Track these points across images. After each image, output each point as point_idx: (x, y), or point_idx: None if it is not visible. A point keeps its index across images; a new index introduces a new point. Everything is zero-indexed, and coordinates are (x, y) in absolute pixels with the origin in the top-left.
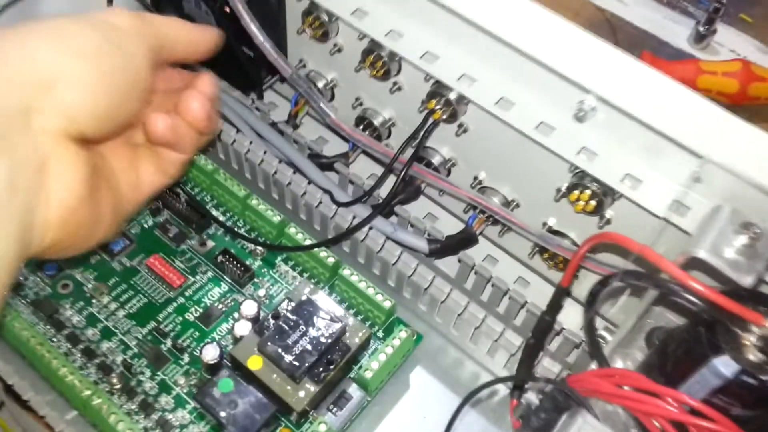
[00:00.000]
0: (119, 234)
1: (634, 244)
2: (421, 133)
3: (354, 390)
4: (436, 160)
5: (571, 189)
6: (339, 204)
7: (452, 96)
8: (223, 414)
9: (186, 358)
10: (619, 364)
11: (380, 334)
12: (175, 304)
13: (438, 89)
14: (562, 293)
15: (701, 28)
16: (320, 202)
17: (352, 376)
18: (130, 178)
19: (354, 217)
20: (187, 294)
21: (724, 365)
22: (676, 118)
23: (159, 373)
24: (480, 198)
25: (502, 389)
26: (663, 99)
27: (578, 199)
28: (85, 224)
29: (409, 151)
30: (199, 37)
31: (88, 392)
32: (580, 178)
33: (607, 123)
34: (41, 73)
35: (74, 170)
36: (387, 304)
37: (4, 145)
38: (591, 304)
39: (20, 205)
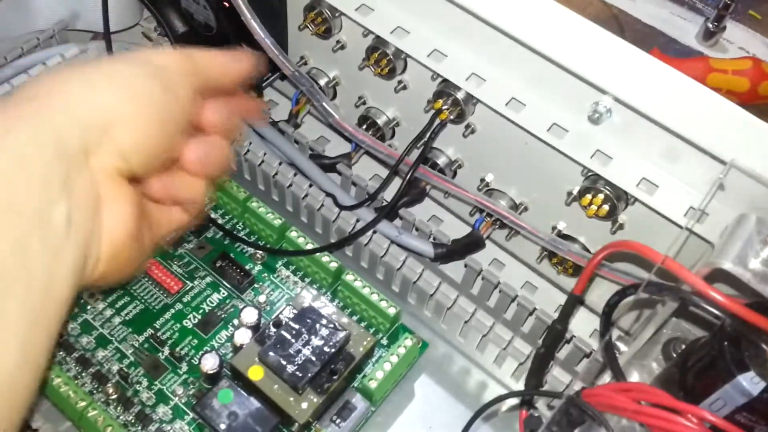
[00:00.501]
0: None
1: (656, 254)
2: (428, 134)
3: (358, 400)
4: (441, 162)
5: (583, 193)
6: (342, 207)
7: (460, 96)
8: (222, 426)
9: (184, 367)
10: (634, 376)
11: (384, 341)
12: (172, 311)
13: (445, 88)
14: (574, 301)
15: (710, 25)
16: (322, 205)
17: (356, 385)
18: (162, 212)
19: (357, 221)
20: (185, 300)
21: (750, 382)
22: (696, 121)
23: (156, 382)
24: (487, 201)
25: (511, 399)
26: (682, 100)
27: (590, 204)
28: (130, 258)
29: (415, 153)
30: (238, 69)
31: (83, 403)
32: (593, 182)
33: (623, 125)
34: (100, 116)
35: (125, 207)
36: (392, 310)
37: (63, 190)
38: (608, 315)
39: (77, 241)
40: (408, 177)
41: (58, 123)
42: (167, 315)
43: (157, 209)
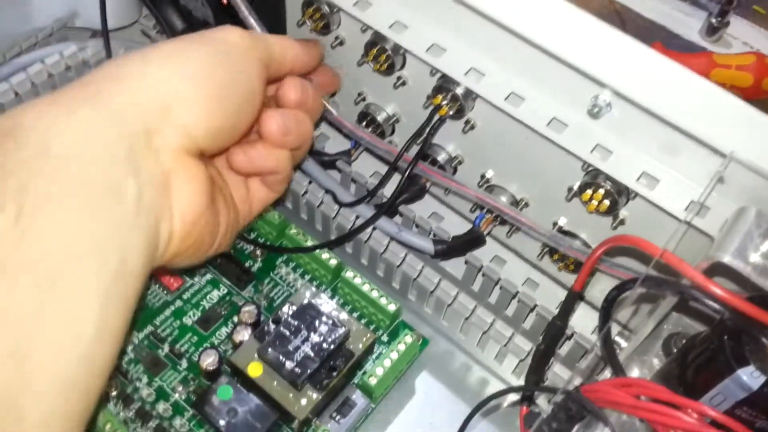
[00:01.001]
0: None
1: (654, 248)
2: (427, 130)
3: (358, 397)
4: (441, 158)
5: (583, 188)
6: (342, 204)
7: (459, 91)
8: (222, 422)
9: (184, 363)
10: (635, 371)
11: (385, 338)
12: (172, 308)
13: (444, 84)
14: (574, 298)
15: (714, 20)
16: (322, 202)
17: (355, 382)
18: (241, 191)
19: (357, 217)
20: (184, 297)
21: (750, 377)
22: (697, 114)
23: (156, 379)
24: (487, 197)
25: (511, 396)
26: (682, 93)
27: (591, 199)
28: (204, 236)
29: (414, 149)
30: (304, 53)
31: None
32: (594, 177)
33: (623, 119)
34: (158, 97)
35: (195, 184)
36: (392, 307)
37: (130, 167)
38: (607, 310)
39: (148, 220)
40: (407, 173)
41: (117, 104)
42: (167, 312)
43: (234, 186)
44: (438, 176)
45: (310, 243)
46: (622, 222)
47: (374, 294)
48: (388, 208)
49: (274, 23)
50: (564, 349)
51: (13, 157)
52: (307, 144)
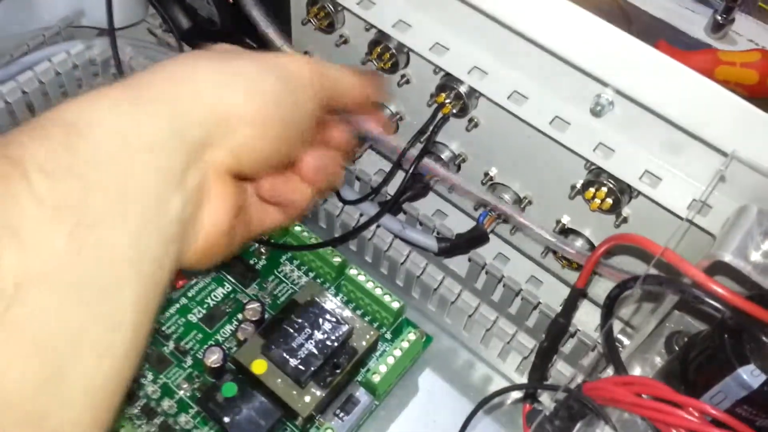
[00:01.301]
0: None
1: (655, 246)
2: (431, 128)
3: (361, 394)
4: (445, 156)
5: (586, 186)
6: (345, 202)
7: (463, 89)
8: (227, 419)
9: (189, 360)
10: (637, 369)
11: (388, 335)
12: (177, 305)
13: (448, 82)
14: (577, 295)
15: (719, 17)
16: (326, 200)
17: (359, 379)
18: (259, 212)
19: (361, 215)
20: (189, 295)
21: (750, 375)
22: (699, 113)
23: (161, 376)
24: (490, 198)
25: (514, 393)
26: (685, 92)
27: (594, 197)
28: (219, 251)
29: (418, 146)
30: (366, 91)
31: None
32: (596, 175)
33: (625, 118)
34: (225, 111)
35: (225, 204)
36: (395, 305)
37: (180, 181)
38: (609, 308)
39: (182, 234)
40: (410, 170)
41: (185, 111)
42: (172, 309)
43: (256, 207)
44: (442, 174)
45: (314, 240)
46: (625, 220)
47: (378, 291)
48: (392, 206)
49: (279, 22)
50: (567, 347)
51: (78, 158)
52: (335, 184)
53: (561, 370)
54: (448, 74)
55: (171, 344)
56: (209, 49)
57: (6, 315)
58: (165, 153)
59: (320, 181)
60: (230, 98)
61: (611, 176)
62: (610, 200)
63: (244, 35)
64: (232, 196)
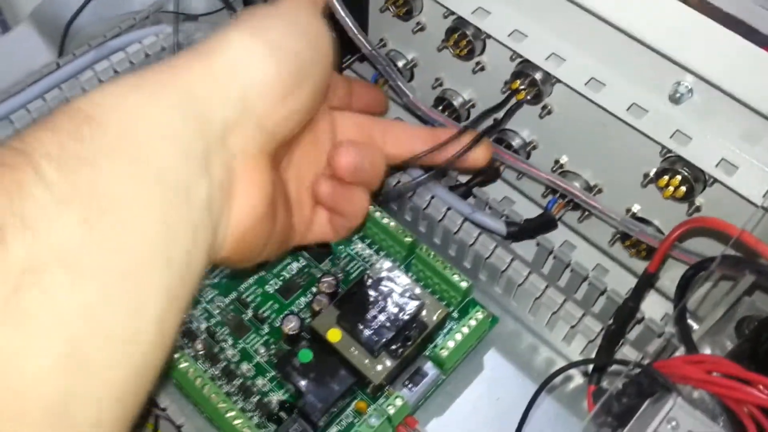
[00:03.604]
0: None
1: (732, 228)
2: (503, 113)
3: (429, 367)
4: (516, 143)
5: (660, 174)
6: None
7: (538, 76)
8: (302, 383)
9: (266, 328)
10: (707, 351)
11: (455, 314)
12: (255, 277)
13: (524, 69)
14: (648, 279)
15: None
16: (398, 181)
17: (427, 354)
18: (305, 213)
19: (432, 197)
20: (267, 267)
21: None
22: None
23: (240, 341)
24: (561, 181)
25: (577, 377)
26: (765, 79)
27: (668, 185)
28: (256, 245)
29: (484, 126)
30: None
31: (175, 355)
32: (671, 163)
33: (704, 105)
34: (238, 83)
35: (258, 190)
36: (463, 284)
37: (204, 167)
38: (683, 288)
39: (212, 223)
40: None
41: (201, 94)
42: (250, 280)
43: (298, 206)
44: (512, 159)
45: (386, 221)
46: (698, 209)
47: (447, 271)
48: (464, 186)
49: (357, 8)
50: (633, 333)
51: (89, 146)
52: (377, 182)
53: (627, 355)
54: (524, 61)
55: (249, 312)
56: (243, 13)
57: (17, 299)
58: (182, 140)
59: (360, 178)
60: (247, 61)
61: (687, 164)
62: (683, 188)
63: None
64: (265, 181)
